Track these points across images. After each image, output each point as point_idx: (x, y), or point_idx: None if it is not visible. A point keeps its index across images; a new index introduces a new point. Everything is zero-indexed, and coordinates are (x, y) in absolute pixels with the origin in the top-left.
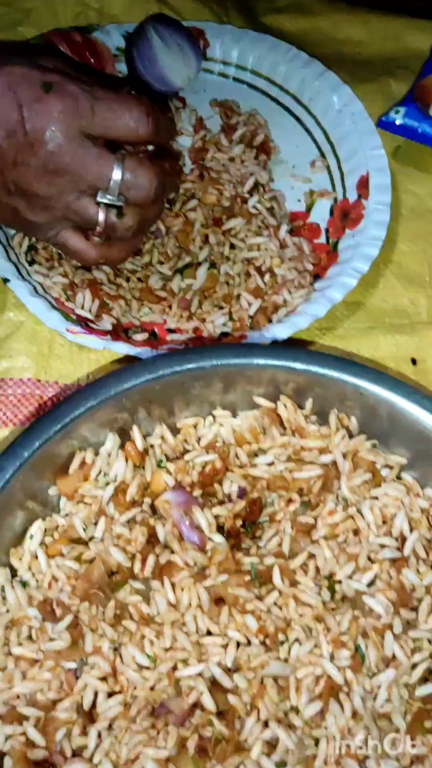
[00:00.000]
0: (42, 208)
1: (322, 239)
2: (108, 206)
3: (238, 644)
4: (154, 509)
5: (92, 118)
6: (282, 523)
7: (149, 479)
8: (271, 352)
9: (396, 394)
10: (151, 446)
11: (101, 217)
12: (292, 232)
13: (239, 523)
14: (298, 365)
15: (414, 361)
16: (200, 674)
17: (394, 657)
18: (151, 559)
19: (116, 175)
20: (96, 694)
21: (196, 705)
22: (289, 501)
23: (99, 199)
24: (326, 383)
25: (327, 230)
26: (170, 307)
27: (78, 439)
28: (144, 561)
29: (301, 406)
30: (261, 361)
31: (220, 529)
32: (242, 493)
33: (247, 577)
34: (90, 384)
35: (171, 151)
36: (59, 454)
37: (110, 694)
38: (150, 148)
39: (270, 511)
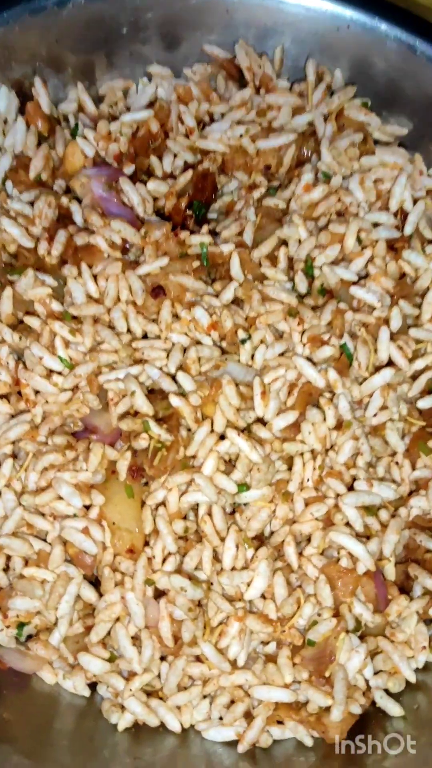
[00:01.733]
0: None
1: None
2: None
3: (185, 350)
4: (69, 192)
5: None
6: (243, 210)
7: (61, 154)
8: None
9: (394, 26)
10: (65, 119)
11: None
12: None
13: (184, 204)
14: None
15: None
16: (135, 377)
17: (390, 362)
18: (62, 236)
19: None
20: None
21: (128, 414)
22: (253, 186)
23: None
24: (300, 19)
25: None
26: None
27: None
28: (51, 239)
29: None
30: None
31: (159, 215)
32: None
33: (196, 263)
34: None
35: None
36: None
37: (14, 417)
38: None
39: (227, 201)
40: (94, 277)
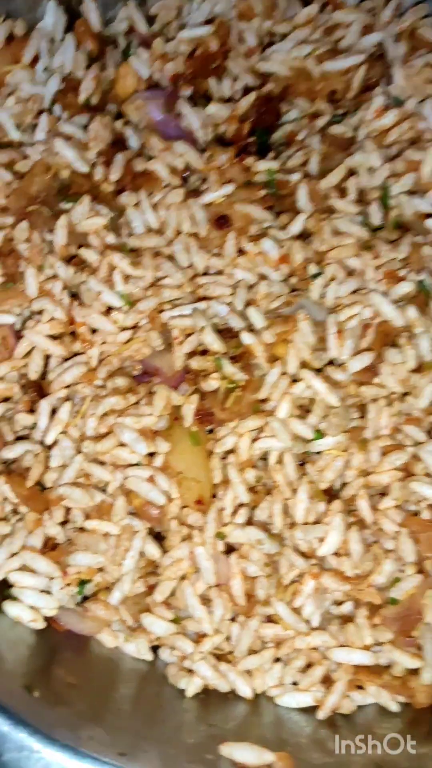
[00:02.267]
0: None
1: None
2: None
3: (251, 287)
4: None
5: None
6: (307, 139)
7: (112, 77)
8: None
9: None
10: (114, 41)
11: None
12: None
13: (246, 130)
14: None
15: None
16: (202, 312)
17: None
18: (120, 159)
19: None
20: (47, 360)
21: (194, 354)
22: (316, 115)
23: None
24: None
25: None
26: None
27: None
28: (109, 163)
29: None
30: None
31: (218, 141)
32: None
33: (263, 192)
34: None
35: None
36: None
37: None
38: None
39: (287, 131)
40: (153, 206)
